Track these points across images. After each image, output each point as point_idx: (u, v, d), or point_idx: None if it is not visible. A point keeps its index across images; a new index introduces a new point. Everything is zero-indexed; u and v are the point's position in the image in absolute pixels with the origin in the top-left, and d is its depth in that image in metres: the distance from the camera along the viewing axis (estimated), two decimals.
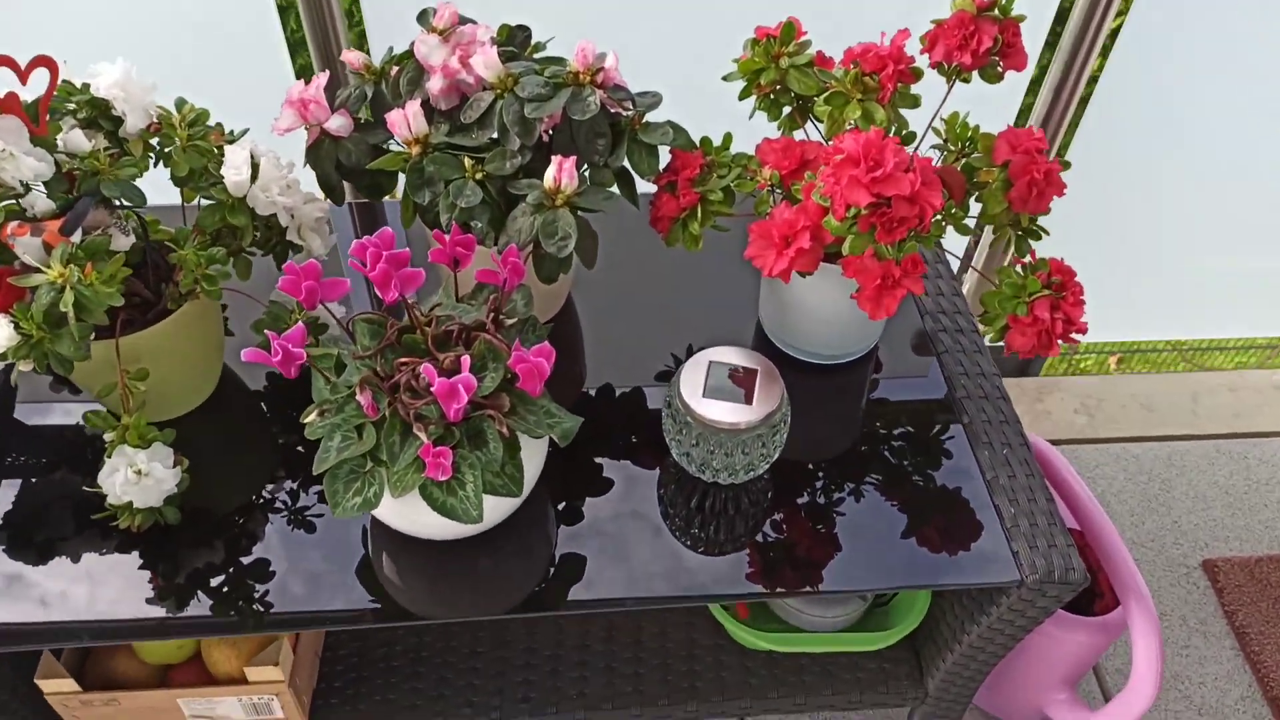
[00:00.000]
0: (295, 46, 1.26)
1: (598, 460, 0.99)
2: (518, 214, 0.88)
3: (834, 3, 1.22)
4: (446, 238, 0.83)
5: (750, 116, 0.98)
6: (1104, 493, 1.55)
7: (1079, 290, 0.87)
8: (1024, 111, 1.42)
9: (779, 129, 1.00)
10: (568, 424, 0.83)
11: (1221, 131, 1.45)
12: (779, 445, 0.91)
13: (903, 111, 0.91)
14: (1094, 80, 1.35)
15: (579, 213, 0.88)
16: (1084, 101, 1.37)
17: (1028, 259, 0.90)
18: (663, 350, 1.10)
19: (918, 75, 0.88)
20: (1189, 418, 1.68)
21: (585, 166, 0.93)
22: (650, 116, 0.95)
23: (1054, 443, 1.61)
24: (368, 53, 1.01)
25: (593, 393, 1.06)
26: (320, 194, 1.00)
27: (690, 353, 1.10)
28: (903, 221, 0.78)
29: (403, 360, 0.77)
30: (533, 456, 0.84)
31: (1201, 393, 1.72)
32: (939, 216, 0.88)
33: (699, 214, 0.91)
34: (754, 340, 1.11)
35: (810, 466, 0.99)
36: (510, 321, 0.84)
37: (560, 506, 0.94)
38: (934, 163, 0.96)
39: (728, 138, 0.98)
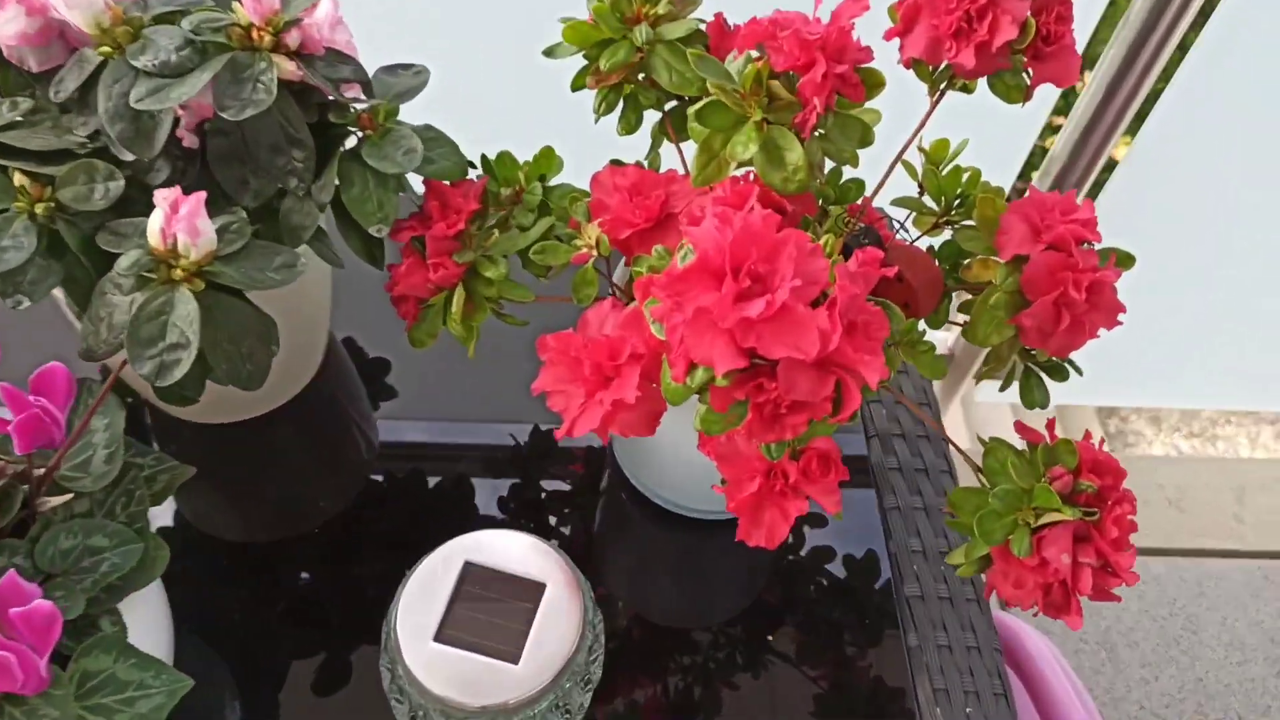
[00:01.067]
0: None
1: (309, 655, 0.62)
2: (107, 287, 0.48)
3: None
4: None
5: (595, 121, 0.58)
6: (1109, 630, 1.19)
7: (1129, 506, 0.49)
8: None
9: (652, 142, 0.61)
10: (151, 705, 0.45)
11: None
12: (579, 712, 0.54)
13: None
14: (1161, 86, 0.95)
15: (241, 292, 0.49)
16: (1148, 107, 0.97)
17: (1043, 432, 0.52)
18: (458, 465, 0.73)
19: (874, 86, 0.49)
20: (1230, 525, 1.32)
21: (282, 197, 0.54)
22: (407, 113, 0.55)
23: None
24: None
25: (332, 529, 0.69)
26: None
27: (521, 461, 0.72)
28: (797, 409, 0.39)
29: None
30: None
31: (1250, 488, 1.36)
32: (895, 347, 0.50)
33: (458, 300, 0.52)
34: (608, 469, 0.73)
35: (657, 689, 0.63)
36: (53, 503, 0.46)
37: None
38: (893, 230, 0.58)
39: (546, 156, 0.58)
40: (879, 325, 0.40)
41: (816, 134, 0.48)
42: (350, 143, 0.54)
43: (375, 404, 0.79)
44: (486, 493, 0.74)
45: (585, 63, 0.56)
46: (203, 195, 0.46)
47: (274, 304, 0.58)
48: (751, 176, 0.49)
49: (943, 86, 0.52)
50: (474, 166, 0.57)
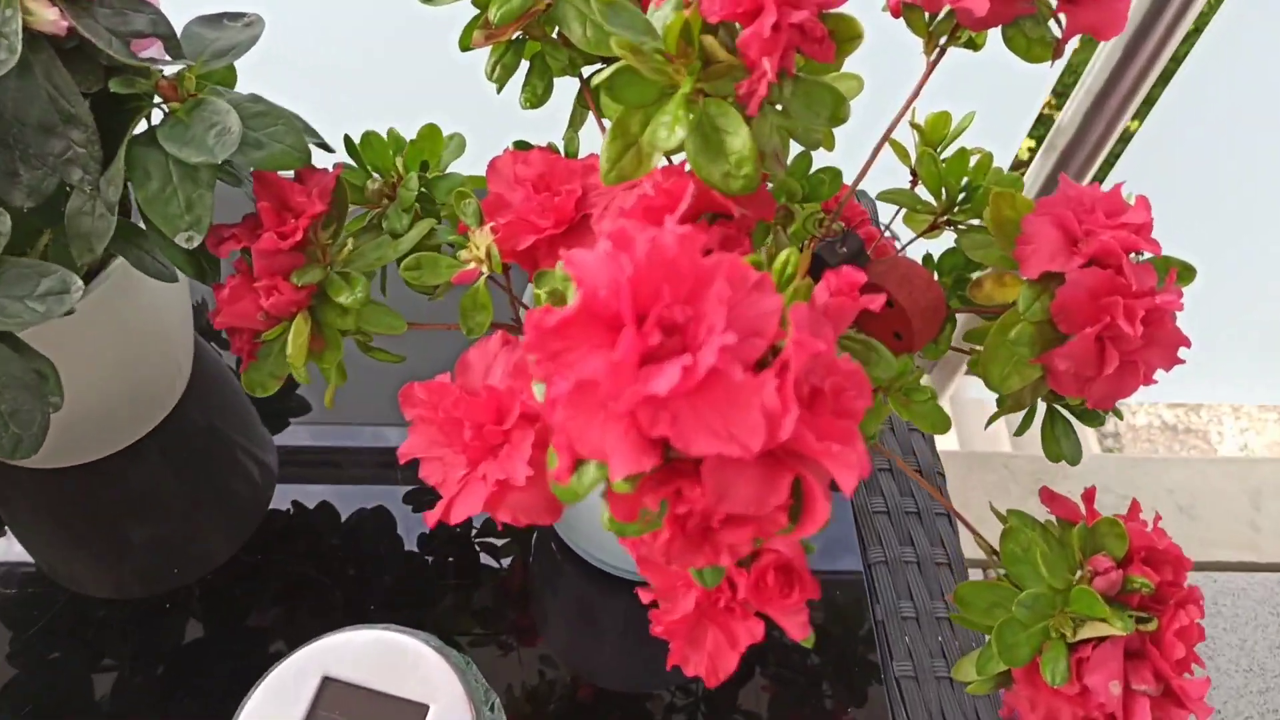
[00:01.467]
0: None
1: None
2: None
3: None
4: None
5: (499, 90, 0.45)
6: None
7: (1195, 608, 0.36)
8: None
9: (570, 118, 0.47)
10: None
11: None
12: None
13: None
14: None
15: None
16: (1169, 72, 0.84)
17: (1078, 503, 0.39)
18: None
19: (848, 40, 0.35)
20: (1246, 533, 1.21)
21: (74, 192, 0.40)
22: (246, 82, 0.42)
23: None
24: None
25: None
26: None
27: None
28: (736, 524, 0.26)
29: None
30: None
31: (1266, 492, 1.25)
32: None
33: (295, 336, 0.39)
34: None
35: None
36: None
37: None
38: (880, 228, 0.45)
39: (429, 136, 0.45)
40: (856, 392, 0.27)
41: (772, 109, 0.35)
42: (158, 118, 0.41)
43: (284, 421, 0.66)
44: (408, 525, 0.62)
45: (477, 12, 0.43)
46: None
47: (102, 326, 0.45)
48: (688, 168, 0.37)
49: (943, 41, 0.39)
50: (330, 150, 0.43)
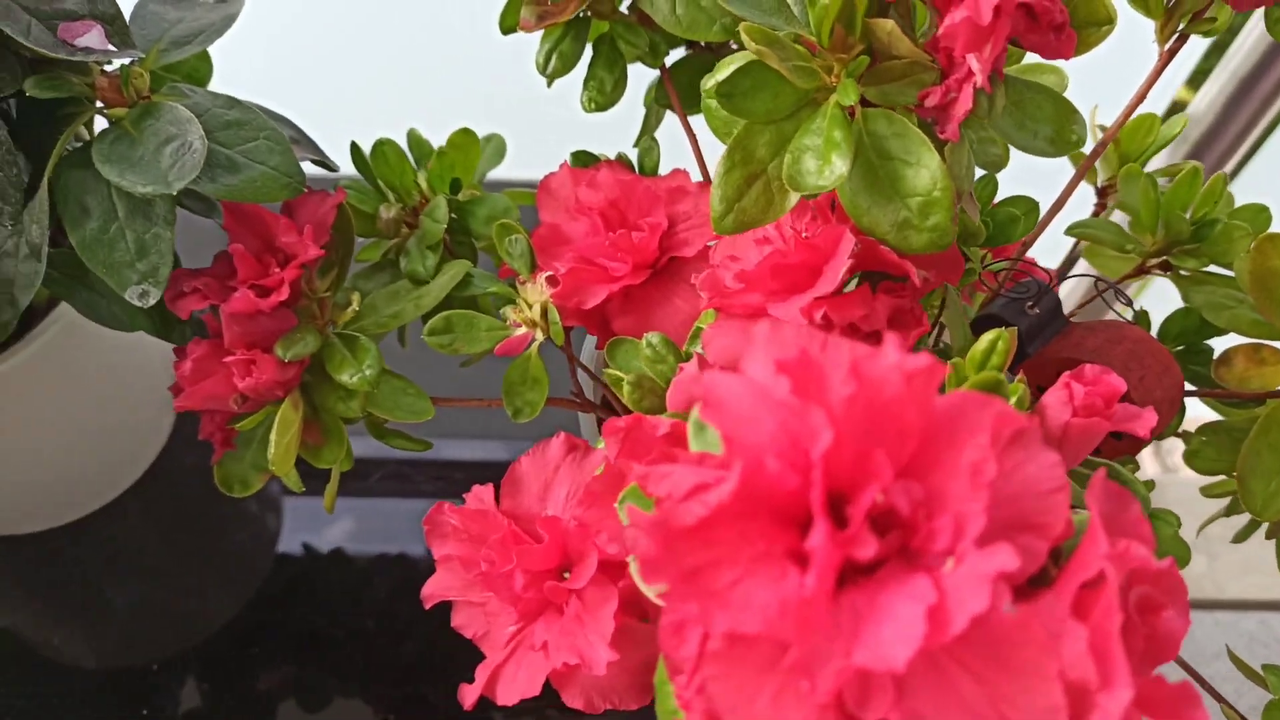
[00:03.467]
0: None
1: None
2: None
3: None
4: None
5: (549, 84, 0.35)
6: None
7: None
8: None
9: (644, 120, 0.37)
10: None
11: None
12: None
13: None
14: None
15: None
16: None
17: None
18: None
19: (1096, 24, 0.24)
20: None
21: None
22: (225, 79, 0.32)
23: None
24: None
25: None
26: None
27: None
28: None
29: None
30: None
31: None
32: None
33: (281, 428, 0.29)
34: None
35: None
36: None
37: None
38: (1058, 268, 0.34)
39: (461, 145, 0.35)
40: (1173, 607, 0.17)
41: (972, 129, 0.24)
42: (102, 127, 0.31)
43: None
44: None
45: None
46: None
47: (46, 385, 0.36)
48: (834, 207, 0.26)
49: (1181, 27, 0.28)
50: (333, 170, 0.33)
